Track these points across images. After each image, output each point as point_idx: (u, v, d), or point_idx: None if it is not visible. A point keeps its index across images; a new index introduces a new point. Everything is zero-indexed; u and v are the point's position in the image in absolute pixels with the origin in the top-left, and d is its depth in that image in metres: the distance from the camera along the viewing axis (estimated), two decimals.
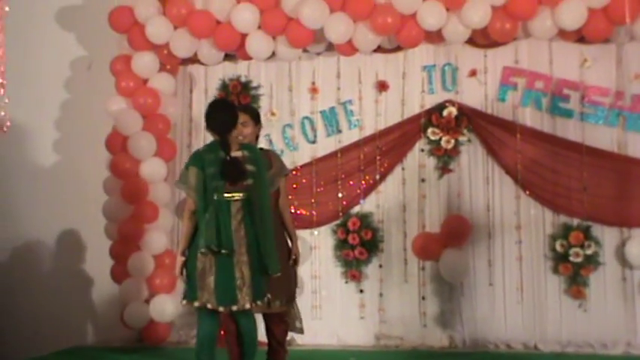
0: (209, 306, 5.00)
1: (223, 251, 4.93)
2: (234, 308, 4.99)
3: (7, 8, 6.56)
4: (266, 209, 5.11)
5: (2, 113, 6.49)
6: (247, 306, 5.00)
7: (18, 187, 7.77)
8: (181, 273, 5.09)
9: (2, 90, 6.52)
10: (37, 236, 7.69)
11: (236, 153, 5.08)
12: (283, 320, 5.61)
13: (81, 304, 7.72)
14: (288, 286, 5.57)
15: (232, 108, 5.28)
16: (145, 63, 7.30)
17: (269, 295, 5.28)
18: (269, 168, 5.52)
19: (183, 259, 5.07)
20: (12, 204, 7.71)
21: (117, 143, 7.26)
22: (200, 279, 4.98)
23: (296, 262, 5.61)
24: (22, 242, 7.69)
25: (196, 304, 5.02)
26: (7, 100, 6.51)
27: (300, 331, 5.76)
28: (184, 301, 5.11)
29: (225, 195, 5.01)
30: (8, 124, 6.53)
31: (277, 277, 5.39)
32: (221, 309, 4.99)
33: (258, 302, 5.08)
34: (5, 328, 7.54)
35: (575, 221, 6.80)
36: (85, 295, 7.73)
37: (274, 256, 5.09)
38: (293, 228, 5.68)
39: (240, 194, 5.04)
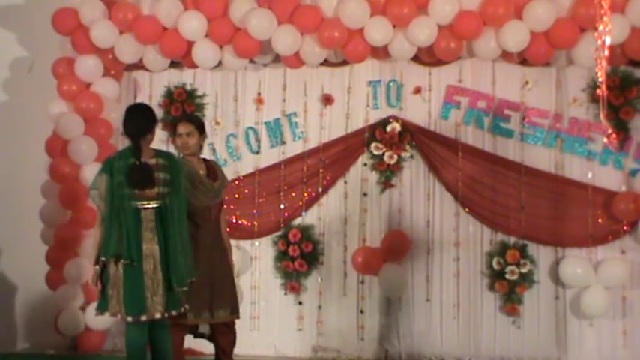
0: (118, 316, 4.95)
1: (124, 261, 4.84)
2: (143, 318, 4.90)
3: None
4: (178, 220, 4.99)
5: None
6: (158, 315, 4.92)
7: None
8: (96, 283, 4.99)
9: None
10: None
11: (150, 160, 4.98)
12: (231, 330, 5.62)
13: (9, 309, 7.53)
14: (232, 296, 5.58)
15: (147, 113, 5.15)
16: (88, 67, 7.20)
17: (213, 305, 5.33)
18: (215, 179, 5.51)
19: (97, 267, 4.96)
20: None
21: (57, 147, 7.16)
22: (111, 288, 4.90)
23: None
24: None
25: (107, 314, 4.97)
26: None
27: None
28: (97, 311, 5.04)
29: (135, 203, 4.91)
30: None
31: (221, 286, 5.43)
32: (129, 319, 4.92)
33: (173, 312, 5.00)
34: None
35: (512, 239, 6.93)
36: (15, 300, 7.55)
37: (180, 269, 4.95)
38: (228, 239, 5.70)
39: (153, 203, 4.93)
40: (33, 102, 7.44)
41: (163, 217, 4.95)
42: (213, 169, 5.66)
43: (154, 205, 4.93)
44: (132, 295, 4.86)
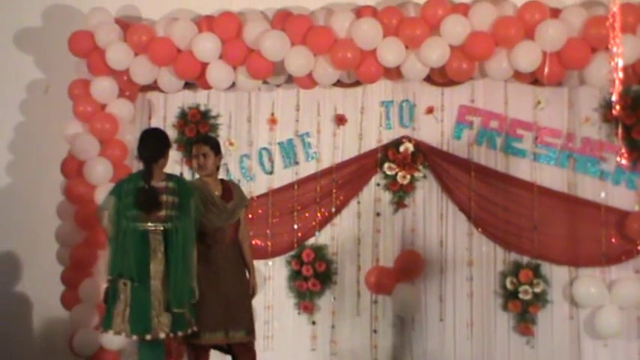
0: (123, 335, 5.00)
1: (124, 280, 4.95)
2: (148, 337, 4.98)
3: None
4: (183, 243, 5.08)
5: None
6: (162, 335, 5.00)
7: None
8: (106, 302, 5.11)
9: None
10: None
11: (159, 183, 5.10)
12: (249, 350, 5.62)
13: (24, 330, 7.57)
14: (248, 317, 5.59)
15: (161, 138, 5.30)
16: (103, 88, 7.26)
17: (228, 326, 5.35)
18: (229, 200, 5.55)
19: (104, 286, 5.13)
20: None
21: (72, 168, 7.20)
22: (118, 306, 4.99)
23: (253, 294, 5.64)
24: None
25: (111, 332, 5.03)
26: None
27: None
28: (101, 329, 5.15)
29: (143, 225, 5.03)
30: None
31: (237, 307, 5.47)
32: (134, 338, 5.01)
33: (179, 333, 5.07)
34: None
35: (525, 259, 6.93)
36: (30, 321, 7.59)
37: (179, 291, 5.03)
38: (251, 260, 5.72)
39: (160, 225, 5.05)
40: (49, 123, 7.49)
41: (170, 240, 5.05)
42: (229, 189, 5.69)
43: (162, 228, 5.04)
44: (138, 314, 4.94)
